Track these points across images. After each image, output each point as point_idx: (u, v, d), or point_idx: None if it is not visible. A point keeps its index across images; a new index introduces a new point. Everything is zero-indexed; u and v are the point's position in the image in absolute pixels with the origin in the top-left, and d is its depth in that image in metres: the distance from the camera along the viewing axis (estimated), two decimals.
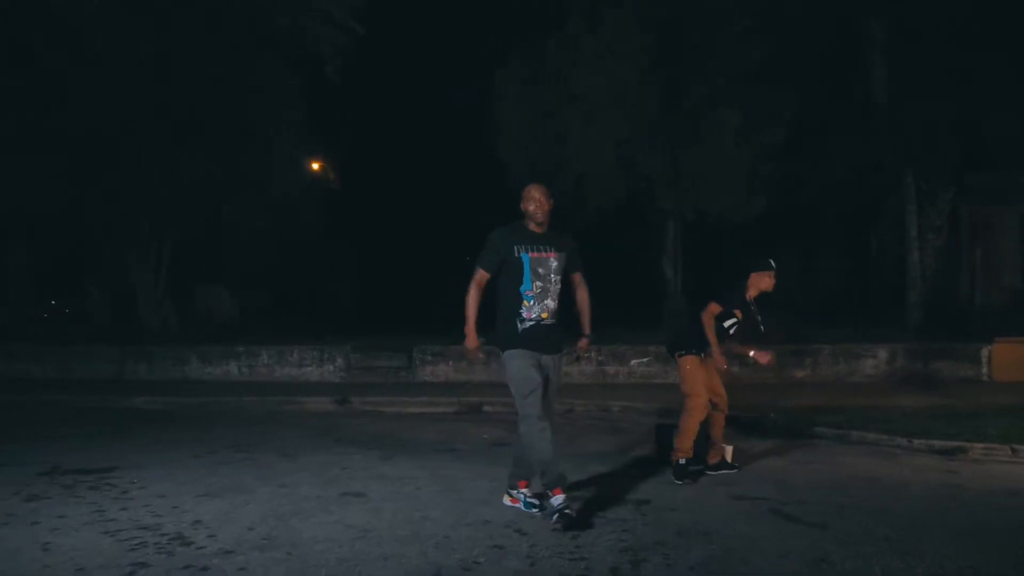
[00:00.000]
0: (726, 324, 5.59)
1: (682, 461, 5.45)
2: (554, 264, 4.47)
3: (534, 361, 4.42)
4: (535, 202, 4.49)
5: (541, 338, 4.45)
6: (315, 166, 20.46)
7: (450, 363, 12.52)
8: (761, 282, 5.61)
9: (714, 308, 5.51)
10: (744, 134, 13.43)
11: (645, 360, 11.92)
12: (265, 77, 15.29)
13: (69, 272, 20.02)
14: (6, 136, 13.72)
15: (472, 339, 4.54)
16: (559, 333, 4.59)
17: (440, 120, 20.67)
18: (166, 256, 16.71)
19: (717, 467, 5.71)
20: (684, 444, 5.45)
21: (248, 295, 20.62)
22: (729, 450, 5.86)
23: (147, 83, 13.94)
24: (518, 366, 4.40)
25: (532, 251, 4.43)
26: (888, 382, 11.40)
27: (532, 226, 4.51)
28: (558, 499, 4.25)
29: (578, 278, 4.72)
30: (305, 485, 5.38)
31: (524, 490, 4.69)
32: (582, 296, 4.76)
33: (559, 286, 4.53)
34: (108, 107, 13.72)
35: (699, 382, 5.50)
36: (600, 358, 12.08)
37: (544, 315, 4.45)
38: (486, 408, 9.93)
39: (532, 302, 4.42)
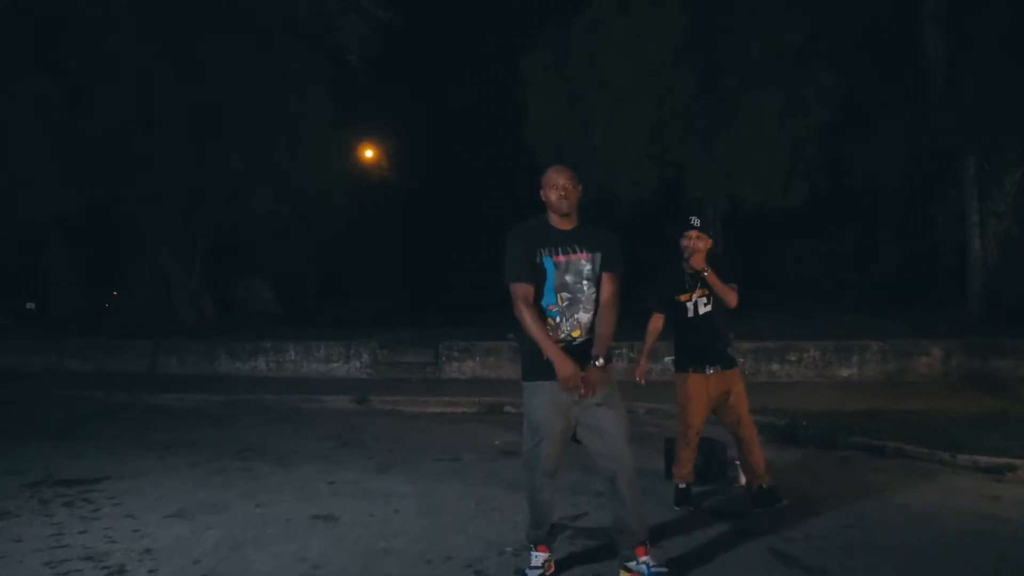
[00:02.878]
0: (688, 315, 4.87)
1: (681, 486, 4.99)
2: (586, 268, 3.55)
3: (561, 399, 3.52)
4: (559, 190, 3.54)
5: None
6: (368, 153, 20.37)
7: (477, 359, 12.25)
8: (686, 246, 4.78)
9: (654, 316, 5.07)
10: (785, 117, 12.61)
11: None
12: (292, 68, 15.20)
13: (115, 267, 20.56)
14: (36, 138, 13.94)
15: (565, 364, 3.44)
16: None
17: (469, 110, 20.35)
18: (200, 251, 16.92)
19: (763, 501, 4.85)
20: (680, 470, 4.98)
21: (287, 288, 20.77)
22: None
23: (171, 80, 13.97)
24: (536, 404, 3.57)
25: (557, 253, 3.53)
26: (942, 383, 10.56)
27: (556, 220, 3.60)
28: (539, 557, 3.68)
29: (608, 281, 3.59)
30: (284, 503, 5.18)
31: (644, 559, 3.62)
32: (606, 303, 3.58)
33: (594, 292, 3.58)
34: (131, 106, 13.81)
35: (694, 406, 4.89)
36: (632, 355, 11.60)
37: (576, 332, 3.55)
38: (507, 408, 9.60)
39: (559, 319, 3.54)
